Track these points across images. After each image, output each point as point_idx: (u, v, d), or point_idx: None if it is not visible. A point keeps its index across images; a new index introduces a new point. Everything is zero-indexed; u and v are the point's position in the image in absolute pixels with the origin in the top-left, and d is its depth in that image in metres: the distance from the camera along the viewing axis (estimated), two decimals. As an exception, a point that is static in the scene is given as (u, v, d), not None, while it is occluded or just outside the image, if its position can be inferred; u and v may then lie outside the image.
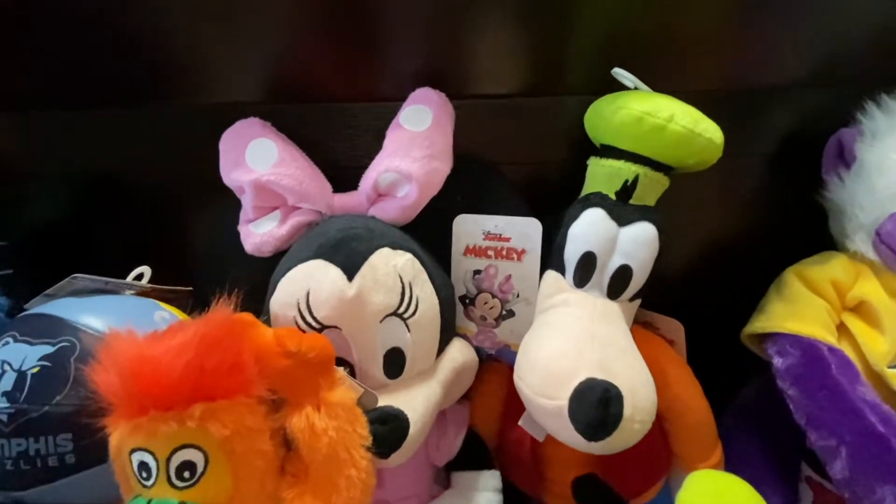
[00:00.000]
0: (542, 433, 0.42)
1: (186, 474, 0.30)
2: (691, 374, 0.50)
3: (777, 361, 0.47)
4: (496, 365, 0.52)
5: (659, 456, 0.50)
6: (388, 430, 0.37)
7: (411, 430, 0.39)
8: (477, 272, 0.48)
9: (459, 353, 0.47)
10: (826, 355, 0.45)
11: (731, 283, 0.56)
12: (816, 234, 0.53)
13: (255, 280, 0.45)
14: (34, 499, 0.34)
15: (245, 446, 0.32)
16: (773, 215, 0.57)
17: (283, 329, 0.35)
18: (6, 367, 0.34)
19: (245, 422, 0.32)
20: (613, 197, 0.43)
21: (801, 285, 0.50)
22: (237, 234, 0.47)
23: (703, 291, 0.57)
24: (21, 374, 0.33)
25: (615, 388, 0.34)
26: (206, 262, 0.51)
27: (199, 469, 0.31)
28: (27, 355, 0.34)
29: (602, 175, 0.45)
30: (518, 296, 0.48)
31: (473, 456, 0.51)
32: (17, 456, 0.32)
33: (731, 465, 0.51)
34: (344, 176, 0.48)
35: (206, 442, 0.31)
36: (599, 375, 0.34)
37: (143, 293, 0.43)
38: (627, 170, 0.44)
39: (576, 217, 0.44)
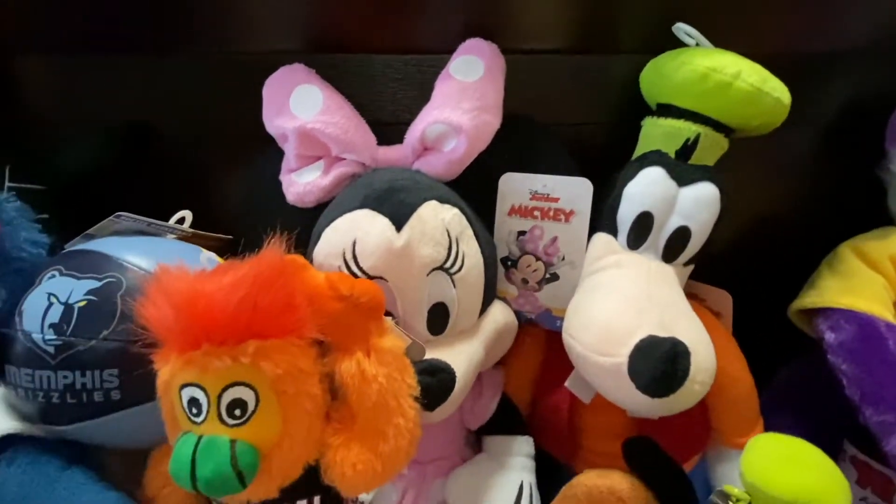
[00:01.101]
0: (589, 395, 0.41)
1: (237, 412, 0.30)
2: (737, 347, 0.48)
3: (829, 337, 0.45)
4: (532, 330, 0.51)
5: (697, 429, 0.49)
6: (436, 382, 0.36)
7: (456, 386, 0.39)
8: (521, 233, 0.47)
9: (501, 314, 0.46)
10: (883, 331, 0.43)
11: (780, 256, 0.54)
12: (873, 210, 0.51)
13: (293, 232, 0.45)
14: (77, 434, 0.34)
15: (296, 388, 0.31)
16: (829, 188, 0.54)
17: (335, 273, 0.34)
18: (53, 300, 0.33)
19: (297, 363, 0.31)
20: (672, 155, 0.42)
21: (858, 260, 0.48)
22: (275, 185, 0.46)
23: (751, 264, 0.55)
24: (68, 307, 0.33)
25: (682, 343, 0.32)
26: (243, 214, 0.50)
27: (250, 408, 0.30)
28: (74, 289, 0.33)
29: (659, 135, 0.43)
30: (563, 259, 0.46)
31: (507, 421, 0.50)
32: (63, 389, 0.32)
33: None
34: (385, 132, 0.47)
35: (257, 380, 0.30)
36: (661, 333, 0.33)
37: (183, 237, 0.43)
38: (688, 129, 0.42)
39: (632, 176, 0.42)
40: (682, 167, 0.41)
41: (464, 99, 0.43)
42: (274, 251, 0.31)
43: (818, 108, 0.53)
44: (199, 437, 0.29)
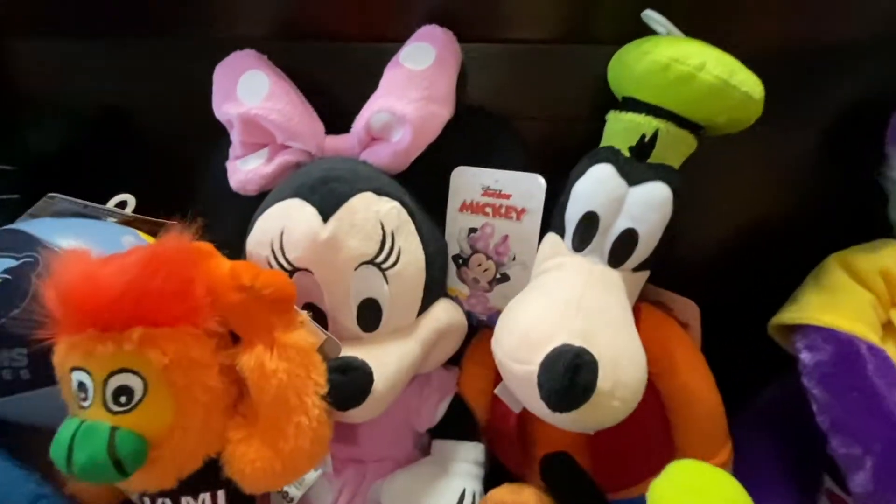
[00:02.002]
0: (518, 404, 0.38)
1: (123, 399, 0.29)
2: (703, 361, 0.45)
3: (805, 357, 0.41)
4: (490, 333, 0.49)
5: (658, 447, 0.45)
6: (348, 381, 0.35)
7: (377, 386, 0.37)
8: (472, 230, 0.45)
9: (445, 313, 0.44)
10: (864, 353, 0.39)
11: (764, 268, 0.50)
12: (870, 220, 0.46)
13: (243, 222, 0.44)
14: (-5, 410, 0.34)
15: (188, 379, 0.30)
16: (821, 194, 0.50)
17: (241, 262, 0.33)
18: (-30, 277, 0.33)
19: (189, 353, 0.30)
20: (627, 153, 0.39)
21: (845, 274, 0.43)
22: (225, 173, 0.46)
23: (730, 275, 0.51)
24: (-18, 284, 0.33)
25: (589, 354, 0.30)
26: (201, 200, 0.50)
27: (137, 396, 0.29)
28: (-9, 266, 0.34)
29: (620, 130, 0.40)
30: (514, 259, 0.44)
31: (458, 425, 0.48)
32: (-27, 364, 0.32)
33: (743, 471, 0.45)
34: (348, 122, 0.45)
35: (145, 368, 0.29)
36: (578, 343, 0.30)
37: (125, 222, 0.43)
38: (647, 124, 0.39)
39: (582, 173, 0.39)
40: (635, 165, 0.38)
41: (411, 87, 0.41)
42: (175, 237, 0.30)
43: (813, 107, 0.48)
44: (81, 423, 0.28)
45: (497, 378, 0.50)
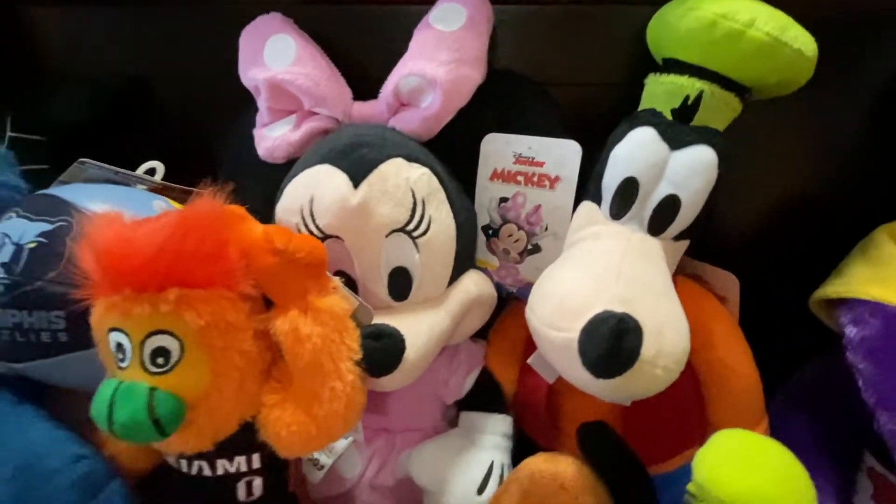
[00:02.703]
0: (552, 374, 0.37)
1: (160, 360, 0.29)
2: (741, 335, 0.43)
3: (850, 331, 0.40)
4: (519, 305, 0.48)
5: (691, 422, 0.44)
6: (381, 348, 0.34)
7: (408, 355, 0.36)
8: (503, 200, 0.44)
9: (475, 284, 0.43)
10: (914, 328, 0.37)
11: (806, 240, 0.48)
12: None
13: (268, 191, 0.44)
14: (32, 373, 0.35)
15: (224, 341, 0.30)
16: (869, 164, 0.47)
17: (274, 226, 0.32)
18: (6, 240, 0.34)
19: (225, 315, 0.30)
20: (669, 116, 0.37)
21: (895, 246, 0.41)
22: (251, 141, 0.45)
23: (771, 247, 0.49)
24: (19, 248, 0.33)
25: (633, 320, 0.29)
26: (226, 168, 0.49)
27: (174, 357, 0.29)
28: (26, 230, 0.34)
29: (661, 94, 0.39)
30: (546, 229, 0.43)
31: (486, 398, 0.47)
32: (12, 327, 0.33)
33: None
34: (375, 88, 0.44)
35: (182, 330, 0.29)
36: (619, 310, 0.29)
37: (154, 189, 0.42)
38: (691, 86, 0.37)
39: (621, 138, 0.38)
40: (678, 128, 0.36)
41: (441, 49, 0.40)
42: (207, 200, 0.30)
43: (862, 74, 0.45)
44: (120, 383, 0.29)
45: (525, 351, 0.50)
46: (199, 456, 0.33)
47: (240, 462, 0.34)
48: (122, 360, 0.30)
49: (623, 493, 0.30)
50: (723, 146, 0.35)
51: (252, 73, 0.42)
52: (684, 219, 0.36)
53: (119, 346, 0.30)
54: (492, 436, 0.46)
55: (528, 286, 0.45)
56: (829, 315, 0.45)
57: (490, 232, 0.45)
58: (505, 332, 0.49)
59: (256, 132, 0.44)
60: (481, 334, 0.48)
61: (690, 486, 0.31)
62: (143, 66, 0.52)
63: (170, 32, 0.50)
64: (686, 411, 0.44)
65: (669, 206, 0.36)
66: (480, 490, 0.43)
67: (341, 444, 0.45)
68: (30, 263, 0.33)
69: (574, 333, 0.30)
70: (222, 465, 0.34)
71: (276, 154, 0.43)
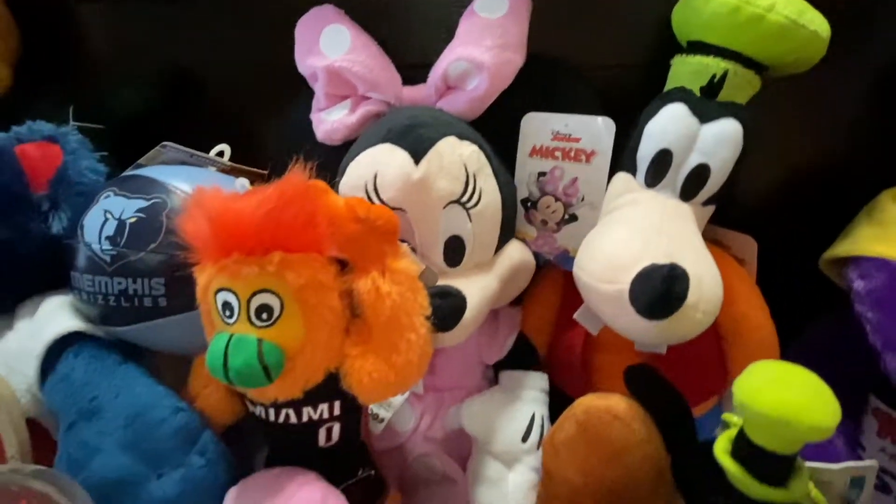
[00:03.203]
0: (596, 326, 0.42)
1: (264, 315, 0.33)
2: (759, 294, 0.48)
3: (858, 285, 0.44)
4: (551, 273, 0.52)
5: (713, 373, 0.49)
6: (447, 305, 0.39)
7: (467, 313, 0.41)
8: (542, 174, 0.48)
9: (518, 251, 0.47)
10: (916, 279, 0.42)
11: (817, 206, 0.52)
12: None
13: (324, 171, 0.47)
14: (131, 336, 0.39)
15: (317, 299, 0.34)
16: (873, 134, 0.51)
17: (353, 198, 0.36)
18: (108, 216, 0.37)
19: (318, 276, 0.34)
20: (697, 93, 0.41)
21: (898, 208, 0.45)
22: (309, 124, 0.49)
23: (785, 213, 0.53)
24: (121, 222, 0.37)
25: (681, 268, 0.33)
26: (280, 152, 0.53)
27: (276, 313, 0.33)
28: (125, 207, 0.38)
29: (687, 73, 0.42)
30: (583, 199, 0.47)
31: (523, 358, 0.52)
32: (118, 293, 0.37)
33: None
34: (413, 75, 0.48)
35: (282, 289, 0.33)
36: (665, 262, 0.33)
37: (222, 170, 0.46)
38: (716, 65, 0.41)
39: (654, 113, 0.42)
40: (706, 104, 0.40)
41: (486, 36, 0.43)
42: (298, 174, 0.33)
43: (867, 47, 0.49)
44: (231, 335, 0.33)
45: (558, 316, 0.54)
46: (288, 404, 0.37)
47: (323, 409, 0.38)
48: (230, 317, 0.34)
49: (668, 424, 0.34)
50: (747, 119, 0.40)
51: (309, 62, 0.46)
52: (713, 185, 0.40)
53: (226, 304, 0.34)
54: (531, 391, 0.50)
55: (565, 253, 0.50)
56: (837, 274, 0.49)
57: (528, 204, 0.49)
58: (539, 298, 0.53)
59: (314, 116, 0.48)
60: (515, 302, 0.53)
61: (725, 416, 0.36)
62: (191, 58, 0.56)
63: (216, 24, 0.53)
64: (708, 364, 0.49)
65: (700, 174, 0.40)
66: (525, 438, 0.47)
67: (398, 399, 0.49)
68: (132, 236, 0.37)
69: (624, 285, 0.34)
70: (307, 413, 0.38)
71: (335, 136, 0.46)
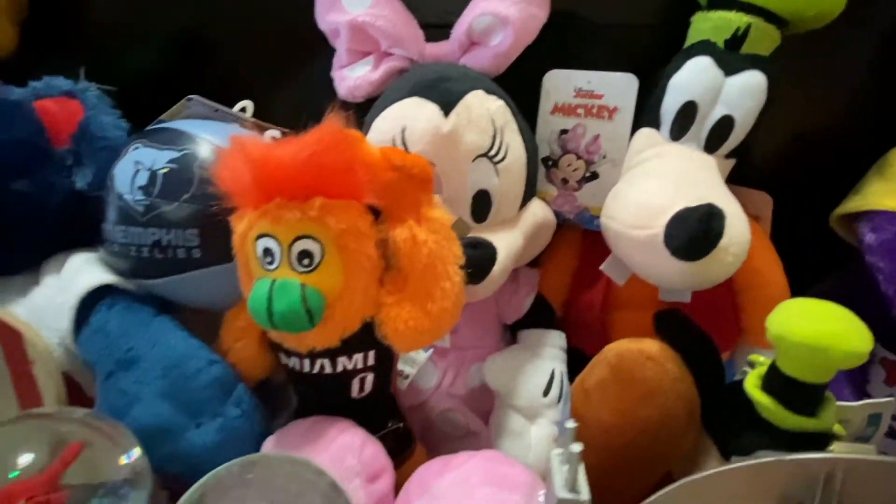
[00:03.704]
0: (623, 276, 0.43)
1: (306, 261, 0.33)
2: (773, 249, 0.49)
3: (870, 237, 0.46)
4: (569, 234, 0.53)
5: (727, 327, 0.50)
6: (479, 255, 0.39)
7: (495, 266, 0.41)
8: (564, 132, 0.48)
9: (541, 209, 0.48)
10: (926, 230, 0.43)
11: (827, 166, 0.53)
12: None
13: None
14: (163, 289, 0.39)
15: (356, 245, 0.34)
16: (887, 95, 0.52)
17: (389, 147, 0.36)
18: (139, 167, 0.37)
19: (356, 222, 0.34)
20: (721, 46, 0.41)
21: (908, 163, 0.47)
22: (327, 83, 0.48)
23: (796, 172, 0.54)
24: (153, 173, 0.37)
25: (718, 207, 0.34)
26: (299, 112, 0.52)
27: (317, 258, 0.34)
28: (156, 158, 0.37)
29: (708, 29, 0.43)
30: (605, 157, 0.47)
31: (541, 317, 0.53)
32: (151, 244, 0.37)
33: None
34: (430, 34, 0.48)
35: (323, 235, 0.33)
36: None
37: (245, 126, 0.46)
38: (738, 19, 0.41)
39: (678, 67, 0.42)
40: (731, 56, 0.41)
41: (511, -10, 0.43)
42: (334, 121, 0.33)
43: (882, 6, 0.50)
44: (274, 280, 0.33)
45: (574, 277, 0.55)
46: (323, 353, 0.37)
47: (357, 359, 0.38)
48: (270, 264, 0.34)
49: (698, 365, 0.35)
50: (772, 71, 0.40)
51: (331, 17, 0.45)
52: (736, 137, 0.41)
53: (267, 250, 0.34)
54: (551, 348, 0.51)
55: (585, 212, 0.50)
56: (847, 230, 0.51)
57: (549, 163, 0.49)
58: (556, 259, 0.54)
59: (336, 73, 0.47)
60: (532, 264, 0.54)
61: (751, 356, 0.37)
62: (202, 17, 0.55)
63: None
64: (723, 318, 0.50)
65: (725, 126, 0.41)
66: (545, 393, 0.49)
67: (422, 356, 0.50)
68: (165, 186, 0.36)
69: (658, 229, 0.35)
70: (342, 362, 0.38)
71: (357, 93, 0.46)
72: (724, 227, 0.34)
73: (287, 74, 0.55)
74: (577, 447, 0.24)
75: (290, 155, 0.31)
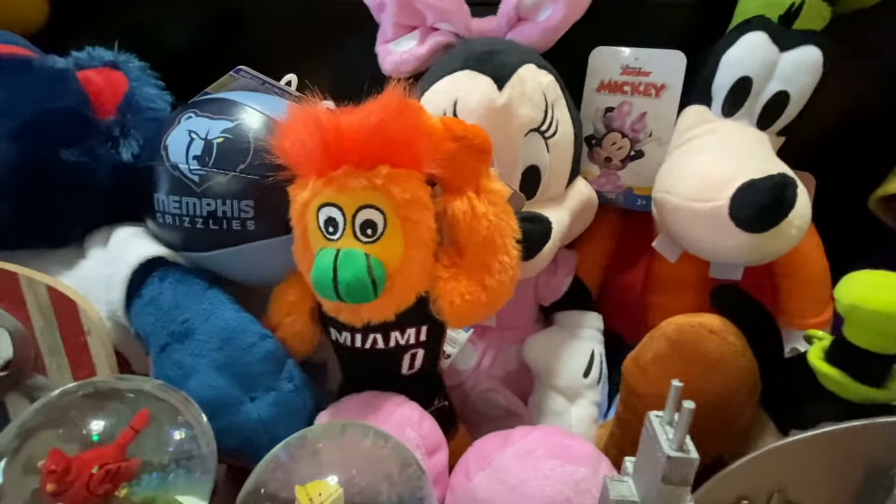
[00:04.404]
0: (675, 253, 0.43)
1: (369, 231, 0.33)
2: (814, 229, 0.49)
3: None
4: (607, 216, 0.53)
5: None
6: (535, 229, 0.39)
7: (549, 240, 0.41)
8: (609, 109, 0.48)
9: (586, 187, 0.48)
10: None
11: (867, 147, 0.53)
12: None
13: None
14: (214, 262, 0.38)
15: (418, 216, 0.34)
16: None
17: (449, 117, 0.36)
18: (193, 136, 0.36)
19: (419, 193, 0.34)
20: (775, 21, 0.41)
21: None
22: (369, 59, 0.48)
23: (837, 154, 0.54)
24: (208, 143, 0.36)
25: (791, 177, 0.34)
26: (337, 87, 0.52)
27: (380, 229, 0.33)
28: (210, 127, 0.36)
29: (759, 6, 0.43)
30: (651, 135, 0.47)
31: (578, 299, 0.52)
32: (206, 215, 0.36)
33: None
34: (474, 10, 0.47)
35: (386, 204, 0.33)
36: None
37: (290, 100, 0.45)
38: (791, -5, 0.41)
39: (731, 43, 0.42)
40: (786, 32, 0.41)
41: (562, -36, 0.43)
42: (396, 90, 0.33)
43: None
44: (338, 250, 0.32)
45: (611, 258, 0.55)
46: (377, 328, 0.37)
47: (410, 334, 0.38)
48: (334, 233, 0.33)
49: (757, 339, 0.35)
50: (827, 47, 0.40)
51: (377, -10, 0.45)
52: (790, 113, 0.41)
53: (330, 220, 0.33)
54: (589, 329, 0.51)
55: (629, 191, 0.50)
56: (885, 211, 0.51)
57: (592, 142, 0.49)
58: (593, 241, 0.54)
59: (380, 48, 0.47)
60: (568, 245, 0.53)
61: (810, 332, 0.37)
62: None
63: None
64: (763, 298, 0.50)
65: (779, 102, 0.40)
66: (586, 373, 0.48)
67: (462, 335, 0.49)
68: (220, 156, 0.36)
69: (723, 201, 0.35)
70: (395, 337, 0.38)
71: (404, 68, 0.45)
72: (796, 196, 0.33)
73: (325, 49, 0.54)
74: (689, 404, 0.24)
75: (358, 122, 0.31)
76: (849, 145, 0.54)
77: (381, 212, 0.33)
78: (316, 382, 0.44)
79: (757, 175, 0.34)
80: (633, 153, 0.48)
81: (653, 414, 0.25)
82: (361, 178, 0.32)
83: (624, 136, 0.48)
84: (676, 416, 0.24)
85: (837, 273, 0.52)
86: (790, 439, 0.27)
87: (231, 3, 0.55)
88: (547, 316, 0.54)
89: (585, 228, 0.51)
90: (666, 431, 0.24)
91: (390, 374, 0.40)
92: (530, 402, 0.50)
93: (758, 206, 0.33)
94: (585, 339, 0.50)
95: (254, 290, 0.42)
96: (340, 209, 0.33)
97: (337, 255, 0.32)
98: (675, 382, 0.25)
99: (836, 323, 0.51)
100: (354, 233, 0.33)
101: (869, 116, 0.54)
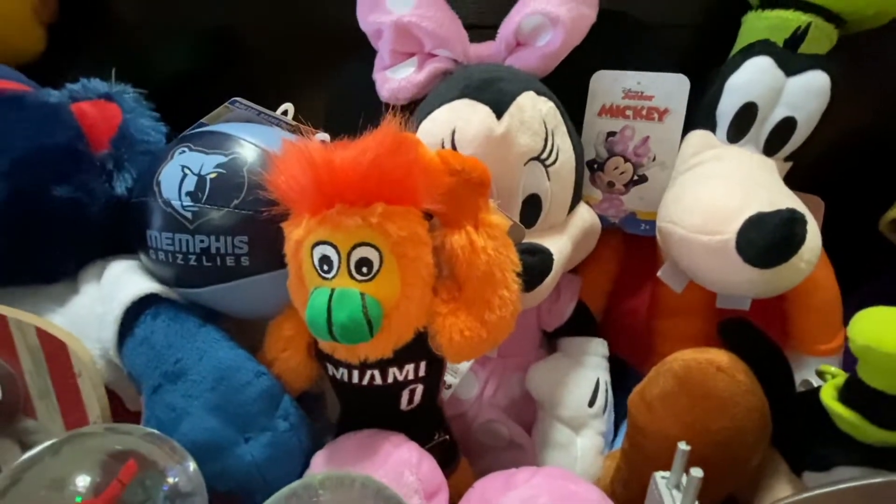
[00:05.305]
0: (681, 283, 0.41)
1: (364, 269, 0.32)
2: (824, 253, 0.48)
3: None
4: (610, 240, 0.52)
5: (775, 335, 0.49)
6: (536, 262, 0.38)
7: (550, 273, 0.40)
8: (611, 134, 0.47)
9: (588, 213, 0.47)
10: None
11: (876, 170, 0.52)
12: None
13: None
14: (209, 297, 0.37)
15: (415, 253, 0.33)
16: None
17: (446, 150, 0.35)
18: (186, 171, 0.36)
19: (416, 229, 0.33)
20: (781, 44, 0.40)
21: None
22: (366, 86, 0.47)
23: (845, 176, 0.53)
24: (201, 178, 0.35)
25: (800, 212, 0.32)
26: (334, 115, 0.51)
27: (375, 266, 0.32)
28: (204, 162, 0.36)
29: (764, 28, 0.42)
30: (654, 159, 0.46)
31: (582, 324, 0.51)
32: (199, 252, 0.35)
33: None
34: (471, 35, 0.46)
35: (381, 242, 0.32)
36: (771, 210, 0.33)
37: (287, 130, 0.44)
38: (797, 18, 0.40)
39: (736, 68, 0.41)
40: (791, 56, 0.40)
41: (561, -10, 0.42)
42: (393, 124, 0.32)
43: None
44: (333, 290, 0.31)
45: (616, 283, 0.54)
46: (375, 364, 0.36)
47: (408, 370, 0.37)
48: (328, 272, 0.32)
49: (767, 376, 0.34)
50: (834, 71, 0.39)
51: (374, 17, 0.44)
52: (798, 139, 0.40)
53: (324, 258, 0.32)
54: (594, 356, 0.50)
55: (632, 216, 0.49)
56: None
57: (595, 166, 0.48)
58: (597, 266, 0.53)
59: (378, 75, 0.46)
60: (572, 270, 0.52)
61: (822, 367, 0.35)
62: (232, 19, 0.54)
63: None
64: (772, 326, 0.48)
65: (786, 128, 0.39)
66: (591, 403, 0.47)
67: (464, 366, 0.48)
68: (214, 192, 0.35)
69: (730, 235, 0.34)
70: (393, 373, 0.37)
71: (401, 95, 0.45)
72: (806, 233, 0.32)
73: (322, 77, 0.54)
74: (697, 472, 0.23)
75: (353, 159, 0.30)
76: (859, 167, 0.53)
77: (377, 249, 0.32)
78: (315, 412, 0.43)
79: (765, 208, 0.33)
80: (636, 177, 0.47)
81: (659, 475, 0.24)
82: (356, 217, 0.31)
83: (626, 160, 0.47)
84: (684, 479, 0.23)
85: (848, 297, 0.51)
86: (803, 495, 0.26)
87: (230, 29, 0.55)
88: (550, 341, 0.53)
89: (588, 255, 0.50)
90: (673, 497, 0.23)
91: (389, 410, 0.39)
92: (534, 432, 0.48)
93: (767, 242, 0.32)
94: (590, 366, 0.49)
95: (250, 321, 0.41)
96: (335, 247, 0.32)
97: (331, 295, 0.31)
98: (682, 446, 0.23)
99: (849, 355, 0.50)
100: (349, 271, 0.32)
101: (880, 138, 0.53)
